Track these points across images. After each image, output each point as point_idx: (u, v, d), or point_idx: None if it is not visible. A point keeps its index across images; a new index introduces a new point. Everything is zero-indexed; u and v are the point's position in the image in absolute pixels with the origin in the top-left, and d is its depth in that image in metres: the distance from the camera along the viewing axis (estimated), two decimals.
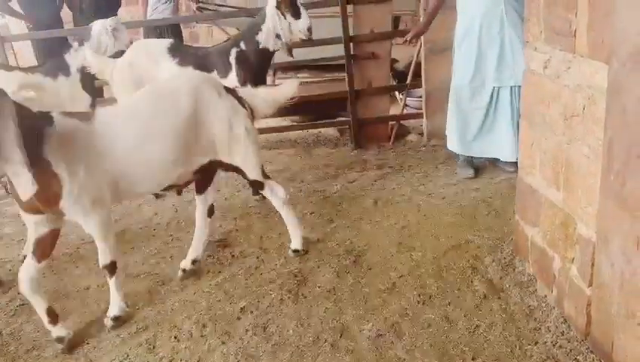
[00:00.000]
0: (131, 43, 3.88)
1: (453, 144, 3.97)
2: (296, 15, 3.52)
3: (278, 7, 3.52)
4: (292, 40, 3.65)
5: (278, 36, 3.59)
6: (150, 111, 2.54)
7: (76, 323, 2.60)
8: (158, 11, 5.52)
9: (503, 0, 3.55)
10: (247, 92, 2.92)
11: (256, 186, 2.99)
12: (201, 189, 2.91)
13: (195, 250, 2.95)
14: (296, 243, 3.02)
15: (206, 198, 2.94)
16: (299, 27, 3.54)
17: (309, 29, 3.55)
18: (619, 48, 1.77)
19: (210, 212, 2.98)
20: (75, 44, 3.67)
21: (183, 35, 7.91)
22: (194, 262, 2.93)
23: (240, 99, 2.76)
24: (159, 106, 2.55)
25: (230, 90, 2.79)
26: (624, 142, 1.79)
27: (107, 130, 2.43)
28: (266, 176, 2.95)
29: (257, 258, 3.06)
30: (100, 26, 3.61)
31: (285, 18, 3.52)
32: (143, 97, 2.63)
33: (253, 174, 2.83)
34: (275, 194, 2.93)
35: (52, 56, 5.20)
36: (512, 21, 3.55)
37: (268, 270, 2.91)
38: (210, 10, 5.42)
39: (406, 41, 4.00)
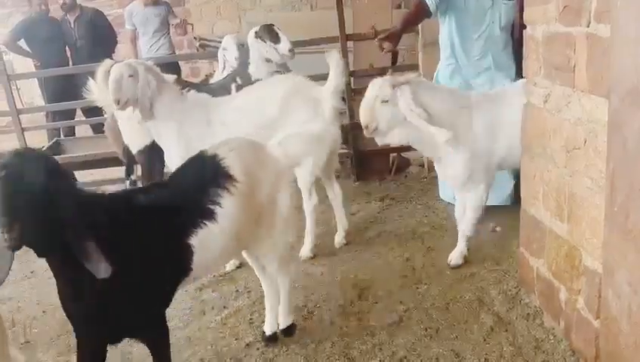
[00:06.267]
0: None
1: (444, 192, 3.95)
2: (276, 40, 3.77)
3: (257, 36, 3.81)
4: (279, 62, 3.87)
5: (268, 60, 3.82)
6: None
7: None
8: (155, 48, 5.61)
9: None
10: None
11: None
12: None
13: None
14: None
15: None
16: (280, 51, 3.78)
17: (291, 50, 3.78)
18: (617, 85, 1.82)
19: None
20: None
21: (184, 70, 8.05)
22: None
23: None
24: None
25: None
26: (626, 175, 1.82)
27: None
28: None
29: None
30: None
31: (266, 43, 3.78)
32: None
33: None
34: None
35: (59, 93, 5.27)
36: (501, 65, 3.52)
37: None
38: (212, 47, 5.55)
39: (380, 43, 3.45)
